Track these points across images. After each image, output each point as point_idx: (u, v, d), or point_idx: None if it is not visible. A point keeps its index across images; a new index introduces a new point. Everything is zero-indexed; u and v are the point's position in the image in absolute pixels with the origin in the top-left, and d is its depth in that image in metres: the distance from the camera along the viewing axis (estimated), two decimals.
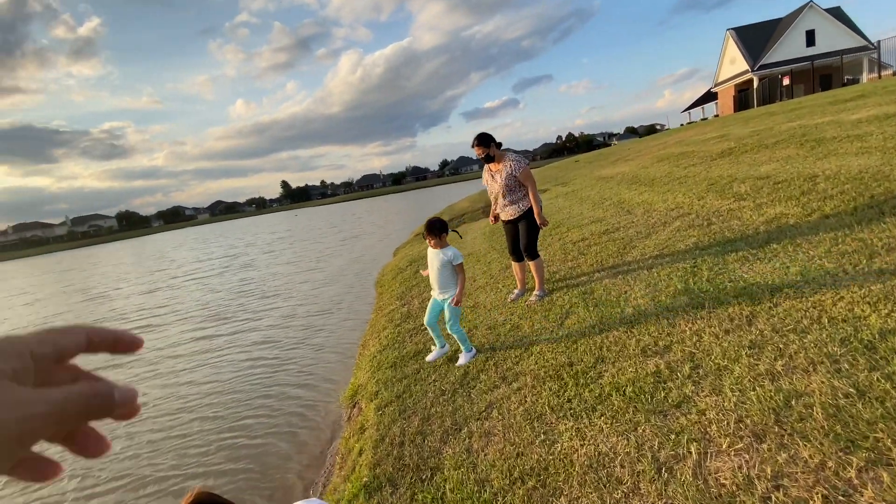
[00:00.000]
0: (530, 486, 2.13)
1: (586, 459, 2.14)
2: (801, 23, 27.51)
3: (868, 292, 2.55)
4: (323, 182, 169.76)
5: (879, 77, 21.59)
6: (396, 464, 2.77)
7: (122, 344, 0.34)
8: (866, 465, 1.58)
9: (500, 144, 4.21)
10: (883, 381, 1.89)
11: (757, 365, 2.28)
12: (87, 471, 4.20)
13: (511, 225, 4.36)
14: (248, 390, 5.34)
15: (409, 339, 4.73)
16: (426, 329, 4.74)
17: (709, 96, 38.64)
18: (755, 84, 28.22)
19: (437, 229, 3.49)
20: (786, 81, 25.41)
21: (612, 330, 3.18)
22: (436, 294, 3.61)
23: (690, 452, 1.93)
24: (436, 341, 3.82)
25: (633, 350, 2.81)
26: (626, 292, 3.70)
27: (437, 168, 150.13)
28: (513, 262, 4.60)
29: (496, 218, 4.48)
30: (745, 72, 29.47)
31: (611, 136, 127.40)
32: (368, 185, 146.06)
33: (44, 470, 0.30)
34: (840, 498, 1.51)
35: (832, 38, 27.02)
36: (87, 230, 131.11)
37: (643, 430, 2.15)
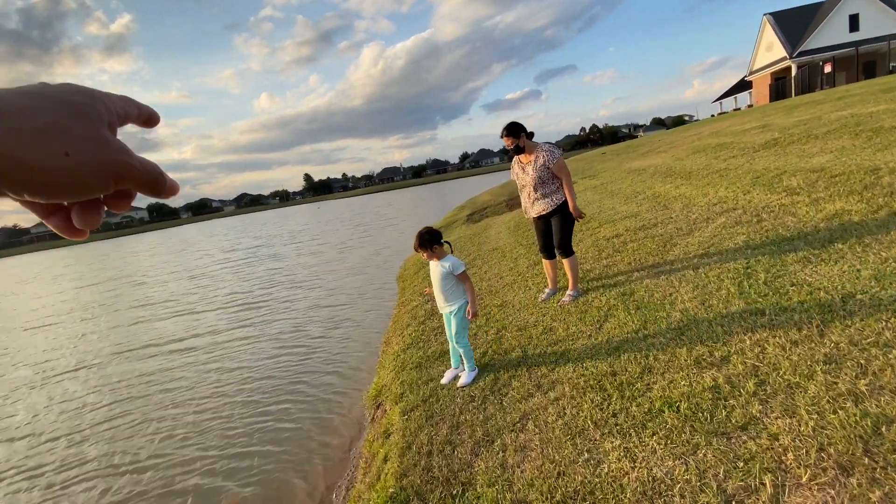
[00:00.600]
0: None
1: (639, 485, 1.92)
2: (844, 6, 25.95)
3: None
4: (344, 175, 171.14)
5: None
6: (424, 475, 2.60)
7: (153, 121, 0.43)
8: None
9: (531, 135, 3.95)
10: None
11: (835, 383, 2.00)
12: (128, 446, 4.18)
13: (542, 221, 4.11)
14: (278, 377, 5.44)
15: (433, 337, 4.56)
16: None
17: (742, 85, 37.05)
18: (793, 72, 26.86)
19: (426, 242, 3.21)
20: (827, 69, 24.10)
21: (658, 336, 2.92)
22: (441, 308, 3.39)
23: (764, 485, 1.69)
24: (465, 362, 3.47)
25: (685, 360, 2.56)
26: (670, 294, 3.42)
27: (457, 161, 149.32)
28: (543, 260, 4.36)
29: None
30: (783, 59, 28.07)
31: (636, 127, 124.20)
32: (389, 178, 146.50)
33: (80, 227, 0.38)
34: None
35: (878, 23, 25.40)
36: (121, 221, 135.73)
37: (704, 455, 1.92)
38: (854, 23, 25.89)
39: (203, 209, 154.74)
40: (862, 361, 2.09)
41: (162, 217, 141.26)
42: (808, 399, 1.98)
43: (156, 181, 0.38)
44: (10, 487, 4.07)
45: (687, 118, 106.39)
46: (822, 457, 1.71)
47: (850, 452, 1.69)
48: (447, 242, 3.31)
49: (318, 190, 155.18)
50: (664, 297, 3.43)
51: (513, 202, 13.84)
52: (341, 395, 4.74)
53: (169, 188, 0.39)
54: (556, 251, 4.07)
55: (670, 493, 1.83)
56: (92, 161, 0.33)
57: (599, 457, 2.16)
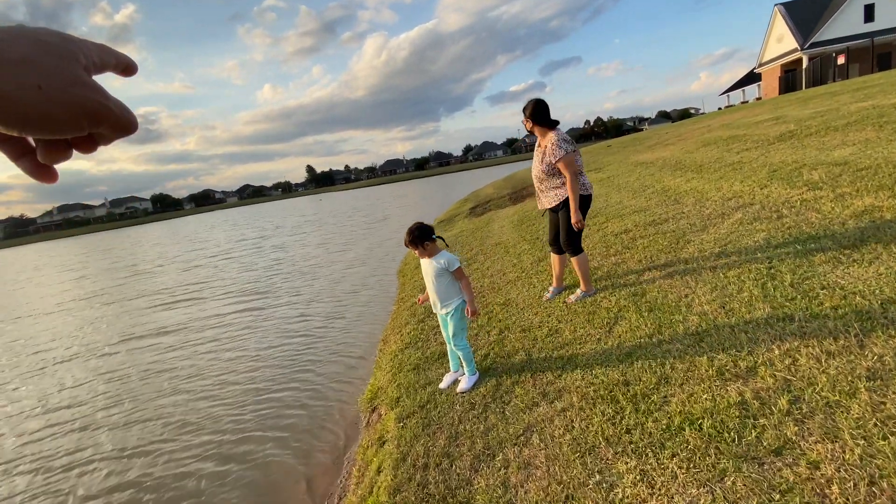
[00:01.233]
0: None
1: None
2: None
3: None
4: (347, 167, 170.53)
5: None
6: (419, 492, 2.39)
7: (131, 70, 0.43)
8: None
9: (555, 123, 3.58)
10: None
11: (883, 404, 1.77)
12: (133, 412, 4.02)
13: (552, 212, 3.86)
14: (277, 366, 5.48)
15: (433, 337, 4.34)
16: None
17: (751, 77, 36.38)
18: (804, 63, 26.27)
19: (417, 238, 2.95)
20: (840, 60, 23.50)
21: (675, 342, 2.69)
22: (437, 309, 3.14)
23: None
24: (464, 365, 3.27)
25: (706, 371, 2.33)
26: (686, 296, 3.18)
27: (460, 153, 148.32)
28: (551, 254, 4.11)
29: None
30: (794, 50, 27.45)
31: (642, 120, 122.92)
32: (391, 171, 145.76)
33: (51, 171, 0.40)
34: None
35: (894, 14, 24.76)
36: (125, 212, 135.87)
37: (733, 483, 1.69)
38: (869, 13, 25.25)
39: (206, 200, 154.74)
40: None
41: (165, 208, 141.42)
42: (851, 421, 1.75)
43: (129, 124, 0.39)
44: (26, 468, 4.14)
45: (693, 111, 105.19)
46: (874, 492, 1.48)
47: None
48: (440, 237, 3.07)
49: (320, 182, 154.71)
50: (679, 298, 3.19)
51: (516, 195, 13.57)
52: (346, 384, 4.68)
53: (133, 125, 0.39)
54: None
55: None
56: (64, 96, 0.34)
57: (612, 479, 1.94)
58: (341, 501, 3.06)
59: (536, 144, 3.80)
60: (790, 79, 27.61)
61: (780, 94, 26.84)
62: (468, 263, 6.50)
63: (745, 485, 1.66)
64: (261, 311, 8.10)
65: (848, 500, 1.49)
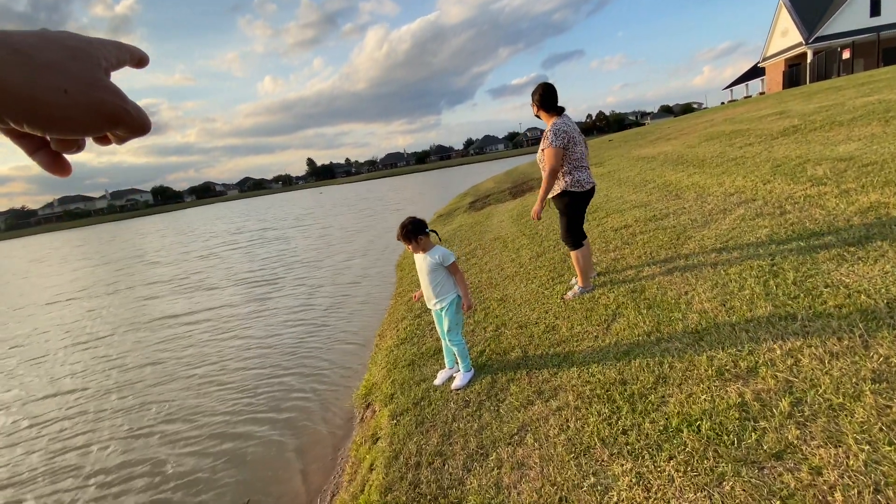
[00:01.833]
0: None
1: None
2: None
3: None
4: (347, 160, 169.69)
5: None
6: (411, 491, 2.35)
7: (144, 62, 0.45)
8: None
9: (561, 110, 3.47)
10: None
11: (889, 407, 1.71)
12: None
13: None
14: (275, 356, 5.57)
15: (428, 333, 4.29)
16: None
17: (754, 72, 36.06)
18: (809, 58, 25.99)
19: (410, 232, 2.88)
20: (846, 55, 23.25)
21: (674, 341, 2.62)
22: (431, 304, 3.07)
23: None
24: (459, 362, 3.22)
25: (706, 370, 2.27)
26: (686, 293, 3.11)
27: (461, 147, 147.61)
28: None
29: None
30: (799, 44, 27.15)
31: (644, 115, 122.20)
32: (392, 164, 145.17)
33: (66, 165, 0.42)
34: None
35: None
36: (125, 204, 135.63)
37: (732, 488, 1.64)
38: (875, 7, 24.92)
39: (207, 193, 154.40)
40: None
41: (166, 200, 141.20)
42: (855, 425, 1.69)
43: (144, 125, 0.40)
44: (55, 440, 4.40)
45: (696, 106, 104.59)
46: (879, 500, 1.42)
47: None
48: (434, 231, 2.99)
49: (320, 175, 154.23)
50: (679, 295, 3.12)
51: (517, 190, 13.48)
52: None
53: (147, 125, 0.41)
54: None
55: None
56: (87, 100, 0.36)
57: (607, 482, 1.89)
58: (334, 499, 3.02)
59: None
60: (794, 73, 27.34)
61: (783, 88, 26.60)
62: (466, 258, 6.44)
63: (744, 490, 1.61)
64: (264, 301, 8.23)
65: None
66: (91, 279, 14.89)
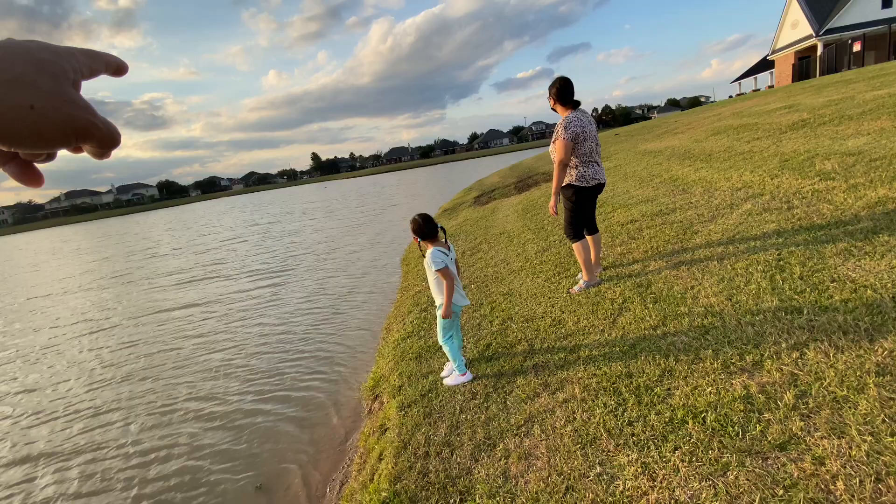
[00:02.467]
0: None
1: None
2: None
3: None
4: (352, 154, 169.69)
5: None
6: (420, 480, 2.40)
7: (122, 70, 0.44)
8: None
9: (576, 104, 3.48)
10: None
11: (892, 400, 1.74)
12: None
13: None
14: (281, 349, 5.67)
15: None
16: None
17: (764, 65, 35.61)
18: (819, 50, 25.65)
19: (414, 231, 2.89)
20: (856, 47, 22.91)
21: (680, 335, 2.65)
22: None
23: None
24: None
25: (711, 364, 2.30)
26: (692, 287, 3.13)
27: (465, 141, 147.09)
28: None
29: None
30: (809, 37, 26.78)
31: (650, 108, 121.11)
32: (397, 158, 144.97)
33: (37, 176, 0.40)
34: None
35: None
36: (131, 198, 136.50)
37: (736, 477, 1.67)
38: None
39: (212, 187, 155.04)
40: None
41: (171, 195, 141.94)
42: (859, 417, 1.71)
43: (114, 140, 0.39)
44: (79, 416, 4.67)
45: (703, 99, 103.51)
46: (881, 489, 1.45)
47: None
48: (442, 229, 2.96)
49: (325, 169, 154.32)
50: (685, 290, 3.15)
51: (522, 184, 13.46)
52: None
53: (115, 139, 0.40)
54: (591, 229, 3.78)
55: None
56: (56, 115, 0.35)
57: (613, 472, 1.93)
58: (343, 487, 3.08)
59: None
60: (804, 66, 27.00)
61: (793, 81, 26.29)
62: (472, 252, 6.47)
63: (748, 479, 1.64)
64: (275, 290, 8.50)
65: (853, 496, 1.46)
66: (106, 270, 15.33)
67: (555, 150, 3.50)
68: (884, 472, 1.50)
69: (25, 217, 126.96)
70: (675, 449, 1.89)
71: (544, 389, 2.67)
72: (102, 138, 0.38)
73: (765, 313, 2.53)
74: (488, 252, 6.23)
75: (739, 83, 40.81)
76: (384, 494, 2.41)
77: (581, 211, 3.65)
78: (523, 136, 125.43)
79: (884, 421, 1.66)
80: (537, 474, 2.09)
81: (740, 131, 8.20)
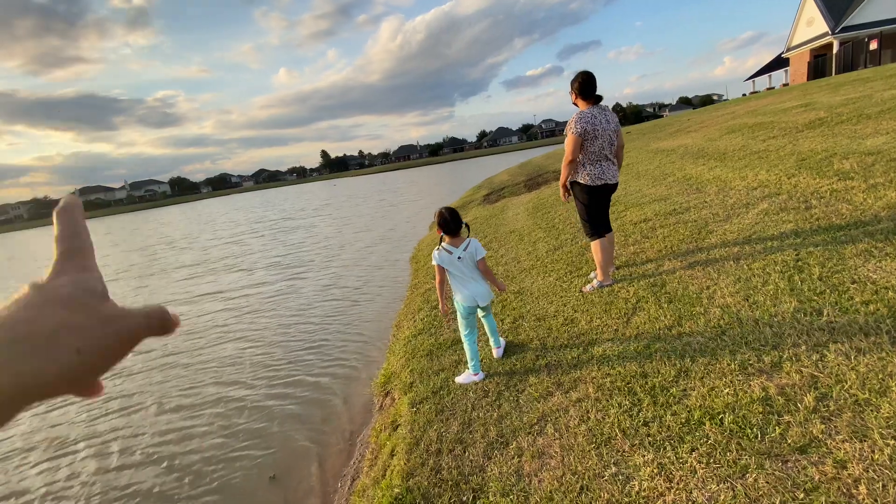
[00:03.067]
0: None
1: None
2: None
3: None
4: (361, 152, 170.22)
5: None
6: (432, 477, 2.40)
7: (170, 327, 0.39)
8: None
9: (597, 98, 3.43)
10: None
11: None
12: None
13: None
14: (294, 345, 5.79)
15: (446, 324, 4.33)
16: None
17: (778, 63, 35.07)
18: (835, 49, 25.18)
19: (438, 223, 3.01)
20: (873, 46, 22.46)
21: (695, 335, 2.63)
22: None
23: None
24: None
25: (728, 364, 2.27)
26: (708, 287, 3.10)
27: (474, 139, 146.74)
28: None
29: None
30: (825, 35, 26.30)
31: (662, 107, 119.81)
32: (405, 156, 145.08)
33: (100, 387, 0.36)
34: None
35: None
36: (144, 194, 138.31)
37: (755, 480, 1.65)
38: None
39: (223, 184, 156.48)
40: None
41: (183, 191, 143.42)
42: (881, 420, 1.69)
43: (165, 323, 0.37)
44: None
45: (716, 97, 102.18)
46: None
47: None
48: (466, 225, 3.02)
49: (334, 167, 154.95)
50: (700, 290, 3.11)
51: (532, 183, 13.40)
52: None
53: (174, 321, 0.37)
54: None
55: None
56: (102, 345, 0.33)
57: (629, 472, 1.91)
58: (355, 482, 3.10)
59: None
60: (820, 64, 26.52)
61: (808, 80, 25.84)
62: None
63: (767, 482, 1.62)
64: (292, 283, 8.83)
65: (876, 501, 1.44)
66: (125, 263, 15.89)
67: (566, 144, 3.51)
68: None
69: (41, 212, 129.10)
70: (693, 450, 1.88)
71: (557, 388, 2.66)
72: (154, 331, 0.36)
73: (783, 314, 2.50)
74: (498, 250, 6.21)
75: (753, 81, 40.23)
76: (396, 490, 2.42)
77: (592, 208, 3.62)
78: (533, 134, 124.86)
79: None
80: (551, 473, 2.08)
81: (755, 130, 8.08)
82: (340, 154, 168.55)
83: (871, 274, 2.59)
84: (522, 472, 2.16)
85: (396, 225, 14.70)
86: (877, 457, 1.57)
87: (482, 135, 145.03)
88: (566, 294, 3.92)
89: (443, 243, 2.97)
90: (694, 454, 1.85)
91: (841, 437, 1.69)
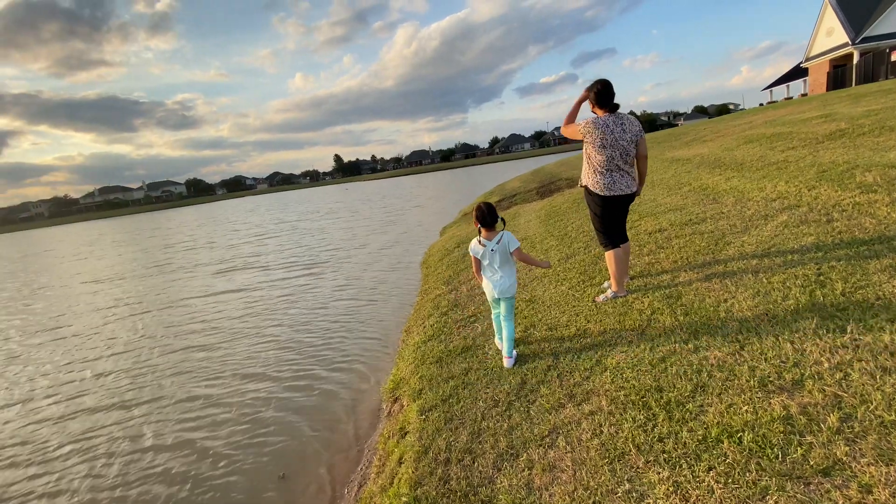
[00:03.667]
0: None
1: None
2: None
3: None
4: (373, 157, 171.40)
5: None
6: (441, 487, 2.37)
7: None
8: None
9: (614, 107, 3.40)
10: None
11: None
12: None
13: None
14: (303, 348, 5.90)
15: (456, 331, 4.31)
16: (475, 321, 4.32)
17: (797, 72, 34.58)
18: (855, 59, 24.76)
19: (475, 216, 3.25)
20: (894, 57, 22.05)
21: (712, 349, 2.56)
22: None
23: None
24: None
25: (747, 381, 2.21)
26: (725, 300, 3.03)
27: (486, 145, 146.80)
28: None
29: None
30: (845, 45, 25.88)
31: (676, 115, 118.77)
32: (417, 161, 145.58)
33: None
34: None
35: None
36: (161, 195, 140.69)
37: (776, 502, 1.60)
38: None
39: (237, 186, 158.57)
40: None
41: (198, 193, 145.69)
42: None
43: None
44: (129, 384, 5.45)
45: (732, 107, 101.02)
46: None
47: None
48: (502, 220, 3.21)
49: (347, 171, 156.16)
50: (718, 302, 3.05)
51: (544, 190, 13.34)
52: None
53: None
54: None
55: None
56: None
57: (643, 489, 1.87)
58: (361, 489, 3.08)
59: None
60: (839, 74, 26.10)
61: (827, 90, 25.46)
62: None
63: None
64: (307, 282, 9.23)
65: None
66: (148, 261, 16.53)
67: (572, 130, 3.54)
68: None
69: (61, 210, 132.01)
70: (710, 469, 1.82)
71: (569, 400, 2.62)
72: None
73: (804, 330, 2.43)
74: None
75: (771, 91, 39.72)
76: (404, 499, 2.39)
77: (602, 217, 3.58)
78: (545, 141, 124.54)
79: None
80: (562, 488, 2.04)
81: (774, 140, 7.95)
82: (353, 158, 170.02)
83: None
84: (533, 486, 2.12)
85: (409, 229, 14.80)
86: None
87: (494, 141, 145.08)
88: (579, 304, 3.87)
89: (480, 236, 3.22)
90: (711, 473, 1.80)
91: (866, 459, 1.62)
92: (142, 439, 4.20)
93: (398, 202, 26.85)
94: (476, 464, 2.42)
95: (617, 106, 3.40)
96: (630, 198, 3.54)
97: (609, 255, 3.59)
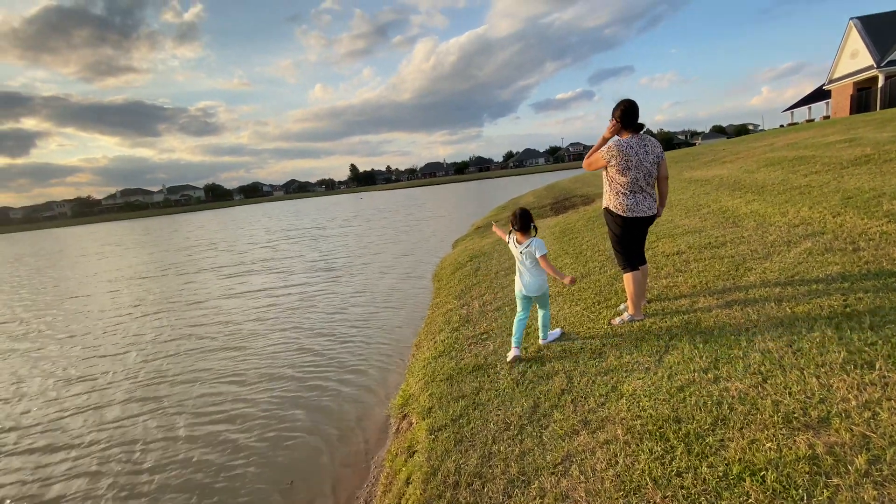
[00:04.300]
0: None
1: None
2: None
3: None
4: (388, 167, 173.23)
5: None
6: None
7: None
8: None
9: (638, 127, 3.40)
10: None
11: None
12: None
13: None
14: (315, 357, 5.93)
15: (467, 348, 4.26)
16: (487, 339, 4.27)
17: (819, 95, 34.16)
18: (880, 82, 24.37)
19: (510, 221, 3.52)
20: None
21: (733, 380, 2.49)
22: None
23: None
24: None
25: (771, 416, 2.13)
26: (747, 329, 2.95)
27: (500, 159, 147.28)
28: None
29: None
30: (869, 68, 25.52)
31: (694, 134, 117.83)
32: (431, 173, 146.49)
33: None
34: None
35: None
36: (179, 198, 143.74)
37: None
38: None
39: (254, 192, 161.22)
40: None
41: (217, 197, 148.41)
42: None
43: None
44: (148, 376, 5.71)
45: (751, 127, 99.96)
46: None
47: None
48: (534, 227, 3.49)
49: (361, 181, 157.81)
50: (739, 331, 2.97)
51: (558, 206, 13.28)
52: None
53: None
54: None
55: None
56: None
57: None
58: None
59: None
60: (863, 98, 25.69)
61: (851, 113, 25.06)
62: (506, 274, 6.39)
63: None
64: (323, 288, 9.49)
65: None
66: (170, 261, 17.07)
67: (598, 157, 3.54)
68: None
69: (83, 210, 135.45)
70: None
71: (583, 427, 2.55)
72: None
73: (831, 364, 2.35)
74: None
75: (792, 112, 39.27)
76: None
77: (622, 238, 3.54)
78: (560, 157, 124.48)
79: None
80: None
81: (796, 164, 7.82)
82: (368, 168, 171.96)
83: None
84: None
85: (423, 239, 14.90)
86: None
87: (509, 155, 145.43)
88: (594, 325, 3.81)
89: (514, 235, 3.51)
90: None
91: None
92: (171, 429, 4.39)
93: (413, 212, 27.04)
94: (486, 489, 2.37)
95: (641, 126, 3.38)
96: (651, 219, 3.50)
97: (628, 278, 3.54)
